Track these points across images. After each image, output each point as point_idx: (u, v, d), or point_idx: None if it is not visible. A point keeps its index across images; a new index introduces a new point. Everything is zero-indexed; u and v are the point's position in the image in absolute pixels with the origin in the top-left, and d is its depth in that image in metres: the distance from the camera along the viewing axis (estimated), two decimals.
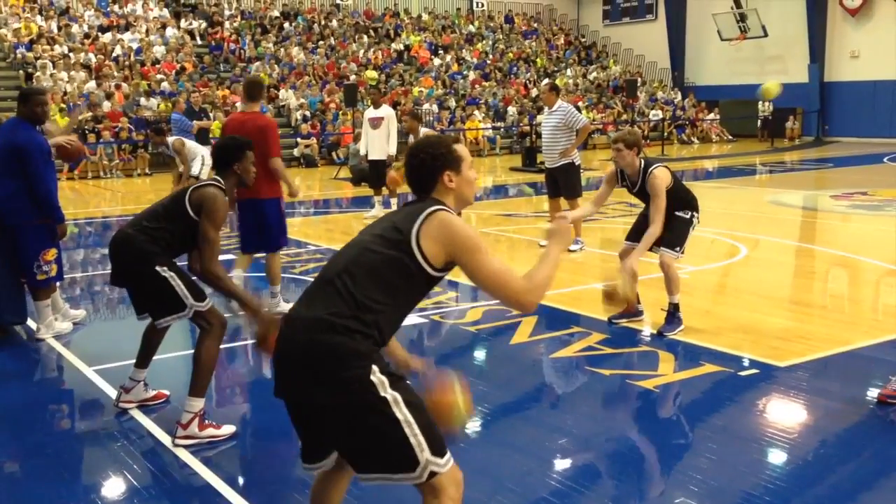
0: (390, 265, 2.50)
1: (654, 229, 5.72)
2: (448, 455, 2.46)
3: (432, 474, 2.41)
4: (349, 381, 2.37)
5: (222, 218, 4.25)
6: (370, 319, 2.44)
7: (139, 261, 4.18)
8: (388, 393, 2.38)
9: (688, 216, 5.98)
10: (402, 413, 2.38)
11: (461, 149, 2.75)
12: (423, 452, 2.39)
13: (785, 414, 4.62)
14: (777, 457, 4.06)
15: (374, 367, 2.39)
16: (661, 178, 5.77)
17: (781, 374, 5.15)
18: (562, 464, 4.02)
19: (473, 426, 4.42)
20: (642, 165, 5.85)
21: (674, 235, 5.89)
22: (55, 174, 6.07)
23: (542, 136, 9.66)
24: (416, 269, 2.52)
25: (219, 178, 4.33)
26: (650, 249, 5.87)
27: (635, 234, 6.04)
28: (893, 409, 4.54)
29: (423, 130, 10.39)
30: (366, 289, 2.46)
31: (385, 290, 2.49)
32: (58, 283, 6.39)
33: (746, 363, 5.36)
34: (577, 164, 9.39)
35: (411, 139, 10.58)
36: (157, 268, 4.17)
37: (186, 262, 4.45)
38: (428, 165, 2.68)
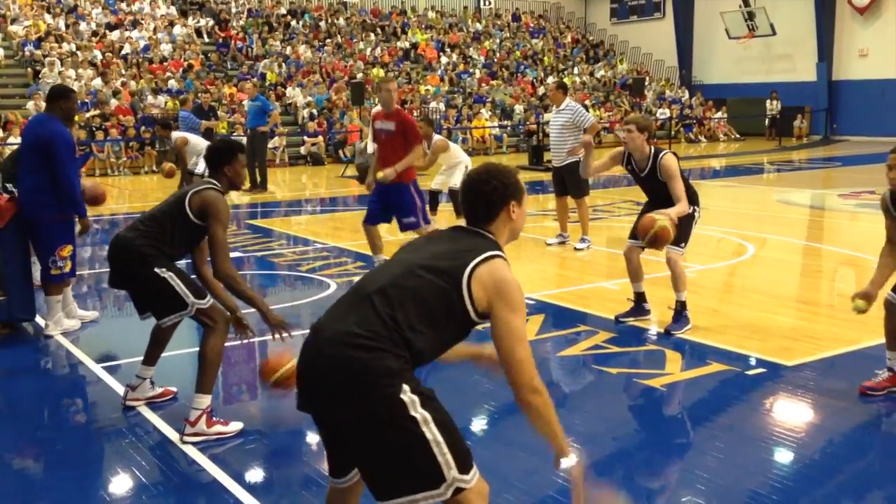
0: (436, 295, 2.45)
1: (683, 205, 5.69)
2: (474, 470, 2.42)
3: (458, 490, 2.37)
4: (378, 399, 2.32)
5: (227, 218, 4.28)
6: (405, 340, 2.39)
7: (138, 264, 4.22)
8: (419, 412, 2.32)
9: (690, 210, 5.94)
10: (431, 433, 2.33)
11: (522, 182, 2.74)
12: (451, 471, 2.35)
13: (792, 413, 4.61)
14: (784, 456, 4.06)
15: (405, 387, 2.33)
16: (673, 161, 5.80)
17: (789, 373, 5.14)
18: (568, 462, 4.01)
19: (481, 425, 4.43)
20: (652, 151, 5.84)
21: (679, 231, 5.86)
22: (78, 170, 6.16)
23: (550, 134, 9.65)
24: (459, 307, 2.46)
25: (214, 180, 4.35)
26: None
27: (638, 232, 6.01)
28: (890, 405, 4.54)
29: (436, 137, 10.37)
30: (406, 311, 2.40)
31: (426, 317, 2.43)
32: (72, 279, 6.44)
33: (753, 362, 5.35)
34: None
35: (424, 145, 10.54)
36: (157, 269, 4.20)
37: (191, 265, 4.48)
38: (500, 194, 2.63)
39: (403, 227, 7.49)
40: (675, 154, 5.92)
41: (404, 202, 7.27)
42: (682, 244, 5.92)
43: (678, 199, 5.73)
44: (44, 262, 6.04)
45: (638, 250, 6.07)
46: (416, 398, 2.33)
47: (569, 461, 2.59)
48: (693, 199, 5.99)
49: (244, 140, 15.90)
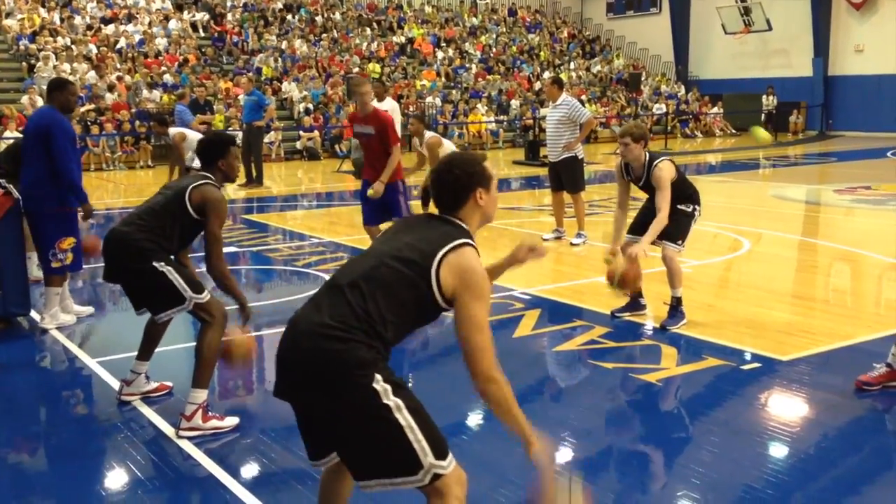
0: (406, 286, 2.50)
1: (662, 216, 5.72)
2: (450, 456, 2.47)
3: (436, 476, 2.42)
4: (351, 388, 2.38)
5: (225, 214, 4.31)
6: (376, 332, 2.44)
7: (136, 258, 4.19)
8: (391, 400, 2.38)
9: (690, 209, 5.98)
10: (404, 419, 2.39)
11: (490, 167, 2.77)
12: (427, 457, 2.40)
13: (787, 408, 4.62)
14: (779, 450, 4.07)
15: (378, 376, 2.39)
16: (666, 170, 5.77)
17: (784, 368, 5.15)
18: (563, 456, 4.02)
19: (477, 420, 4.43)
20: (647, 159, 5.85)
21: (676, 229, 5.90)
22: (79, 161, 6.17)
23: (546, 130, 9.64)
24: (427, 295, 2.51)
25: (208, 174, 4.34)
26: (653, 242, 5.87)
27: (638, 228, 6.02)
28: (885, 400, 4.55)
29: (428, 134, 10.35)
30: (376, 302, 2.46)
31: (396, 307, 2.49)
32: (70, 274, 6.44)
33: (749, 357, 5.36)
34: (580, 157, 9.39)
35: (416, 142, 10.52)
36: (155, 263, 4.19)
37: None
38: (463, 182, 2.68)
39: None
40: (671, 161, 5.87)
41: (393, 202, 7.26)
42: (679, 241, 5.94)
43: (659, 210, 5.73)
44: (44, 254, 6.04)
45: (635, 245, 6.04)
46: (388, 387, 2.40)
47: (537, 451, 2.58)
48: (694, 198, 6.01)
49: (240, 135, 15.87)
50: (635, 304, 6.25)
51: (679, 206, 5.90)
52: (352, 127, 7.49)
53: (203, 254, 4.37)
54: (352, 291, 2.48)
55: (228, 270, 4.35)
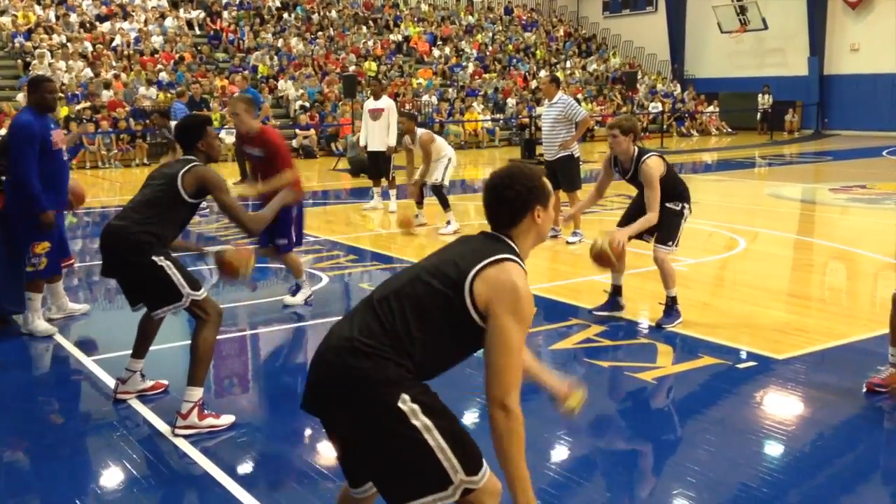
0: (437, 302, 2.39)
1: (652, 216, 5.70)
2: (484, 468, 2.40)
3: (467, 491, 2.36)
4: (375, 407, 2.30)
5: (224, 183, 4.35)
6: (404, 348, 2.35)
7: (135, 252, 4.19)
8: (420, 420, 2.30)
9: (678, 208, 5.92)
10: (434, 440, 2.31)
11: (549, 184, 2.63)
12: (457, 474, 2.34)
13: (782, 406, 4.63)
14: (774, 449, 4.08)
15: (405, 395, 2.30)
16: (654, 167, 5.73)
17: (779, 366, 5.16)
18: (559, 455, 4.03)
19: (473, 418, 4.44)
20: (636, 153, 5.83)
21: (666, 230, 5.85)
22: (55, 163, 5.84)
23: (542, 128, 9.65)
24: (460, 311, 2.37)
25: (191, 157, 4.35)
26: (643, 239, 5.85)
27: (627, 223, 5.97)
28: (881, 399, 4.56)
29: (420, 131, 10.35)
30: (405, 318, 2.37)
31: (425, 324, 2.38)
32: (57, 277, 6.34)
33: (744, 356, 5.37)
34: (576, 156, 9.39)
35: (407, 140, 10.53)
36: (154, 258, 4.18)
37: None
38: (523, 198, 2.52)
39: (279, 249, 6.59)
40: (660, 156, 5.85)
41: (281, 222, 6.24)
42: (670, 243, 5.90)
43: (649, 208, 5.71)
44: (22, 257, 5.93)
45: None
46: (416, 407, 2.31)
47: None
48: (683, 196, 5.96)
49: (234, 133, 15.80)
50: (613, 303, 6.22)
51: (668, 205, 5.84)
52: (243, 146, 6.70)
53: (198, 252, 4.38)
54: (381, 306, 2.40)
55: (257, 217, 4.53)
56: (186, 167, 4.26)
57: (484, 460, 2.43)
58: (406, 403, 2.30)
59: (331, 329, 2.50)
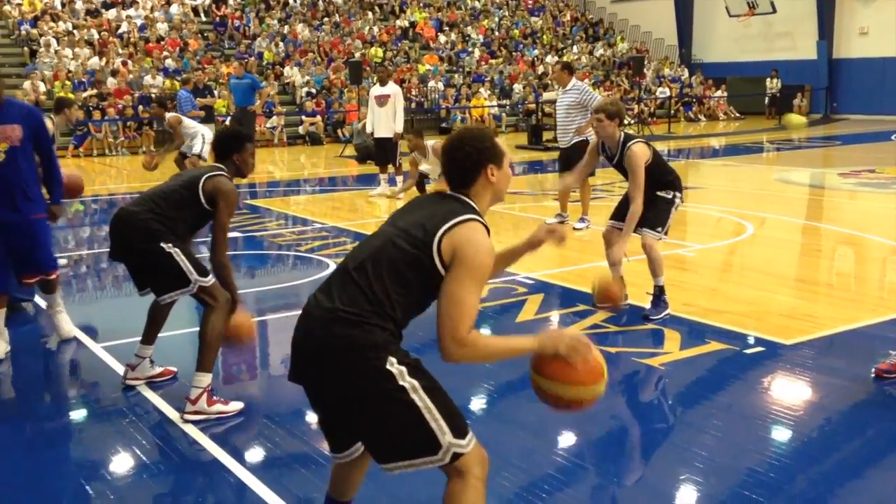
0: (410, 263, 2.49)
1: (636, 207, 5.62)
2: (470, 435, 2.49)
3: (456, 456, 2.44)
4: (366, 372, 2.39)
5: (235, 207, 4.33)
6: (386, 312, 2.45)
7: (145, 238, 4.20)
8: (407, 381, 2.40)
9: (669, 196, 5.82)
10: (421, 400, 2.41)
11: (502, 143, 2.72)
12: (445, 436, 2.42)
13: (790, 392, 4.63)
14: (782, 434, 4.08)
15: (392, 358, 2.40)
16: (639, 153, 5.64)
17: (787, 352, 5.15)
18: (567, 441, 4.04)
19: (480, 404, 4.45)
20: (622, 138, 5.78)
21: (655, 216, 5.75)
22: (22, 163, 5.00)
23: (556, 115, 9.62)
24: (431, 269, 2.49)
25: (222, 166, 4.35)
26: (636, 232, 5.80)
27: (619, 213, 5.94)
28: (890, 384, 4.56)
29: (431, 143, 10.32)
30: (383, 282, 2.46)
31: (401, 286, 2.48)
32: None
33: (752, 341, 5.36)
34: (591, 141, 9.35)
35: (417, 156, 10.54)
36: (163, 244, 4.20)
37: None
38: (473, 159, 2.63)
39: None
40: (646, 143, 5.77)
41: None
42: (659, 229, 5.79)
43: (632, 198, 5.63)
44: None
45: (618, 232, 5.91)
46: (403, 368, 2.42)
47: (547, 342, 2.58)
48: (674, 185, 5.87)
49: (229, 119, 15.72)
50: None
51: (658, 193, 5.77)
52: None
53: (202, 240, 4.38)
54: (359, 273, 2.49)
55: (229, 262, 4.38)
56: (212, 174, 4.29)
57: (470, 430, 2.50)
58: (393, 366, 2.41)
59: (308, 301, 2.56)
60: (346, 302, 2.44)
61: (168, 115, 12.06)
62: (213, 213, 4.30)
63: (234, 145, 4.37)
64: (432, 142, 10.34)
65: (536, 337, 2.61)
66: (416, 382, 2.41)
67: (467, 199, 2.64)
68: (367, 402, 2.42)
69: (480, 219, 2.57)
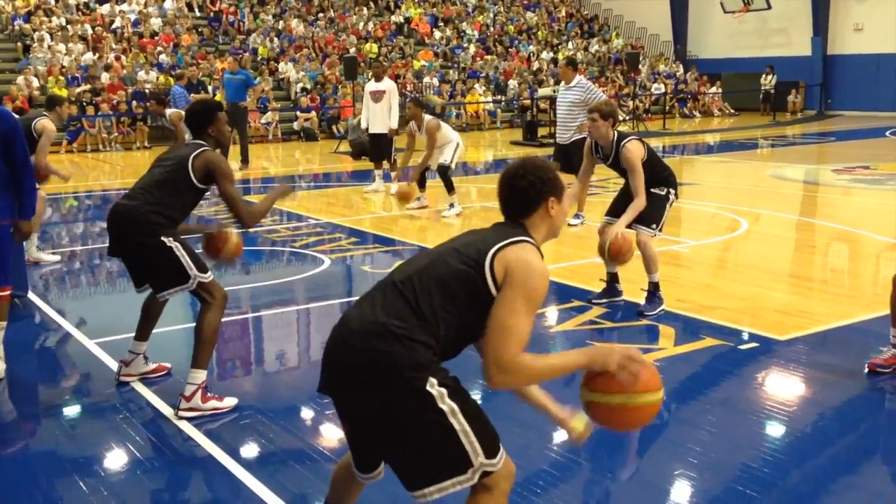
0: (459, 279, 2.41)
1: (640, 202, 5.65)
2: (501, 452, 2.44)
3: (485, 474, 2.39)
4: (405, 392, 2.31)
5: (231, 173, 4.33)
6: (431, 329, 2.37)
7: (145, 232, 4.18)
8: (446, 404, 2.32)
9: (664, 193, 5.84)
10: (459, 423, 2.33)
11: (563, 178, 2.65)
12: (478, 457, 2.36)
13: (784, 387, 4.64)
14: (776, 429, 4.09)
15: (432, 379, 2.32)
16: (635, 150, 5.67)
17: (781, 347, 5.16)
18: (561, 436, 4.02)
19: (475, 400, 4.45)
20: (615, 138, 5.79)
21: (650, 212, 5.75)
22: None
23: (558, 112, 9.61)
24: (482, 289, 2.41)
25: (202, 142, 4.33)
26: (628, 226, 5.80)
27: (614, 210, 5.94)
28: (883, 379, 4.57)
29: (427, 118, 10.28)
30: (430, 297, 2.38)
31: (449, 304, 2.40)
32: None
33: (746, 337, 5.37)
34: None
35: (413, 126, 10.45)
36: (164, 238, 4.18)
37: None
38: (536, 189, 2.55)
39: None
40: (640, 140, 5.79)
41: None
42: (654, 226, 5.79)
43: (636, 193, 5.66)
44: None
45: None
46: (443, 390, 2.33)
47: (599, 359, 2.49)
48: (669, 181, 5.89)
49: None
50: (612, 291, 6.18)
51: (653, 190, 5.77)
52: None
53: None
54: (405, 287, 2.41)
55: (259, 212, 4.47)
56: (197, 151, 4.26)
57: (500, 443, 2.45)
58: (434, 387, 2.32)
59: (346, 313, 2.47)
60: (391, 314, 2.36)
61: (169, 111, 12.04)
62: (206, 191, 4.32)
63: (207, 118, 4.35)
64: (428, 117, 10.30)
65: (585, 352, 2.52)
66: (454, 406, 2.33)
67: (524, 228, 2.58)
68: (403, 423, 2.33)
69: (535, 242, 2.52)
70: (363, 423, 2.44)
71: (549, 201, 2.57)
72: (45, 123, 7.00)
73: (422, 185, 10.53)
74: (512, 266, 2.40)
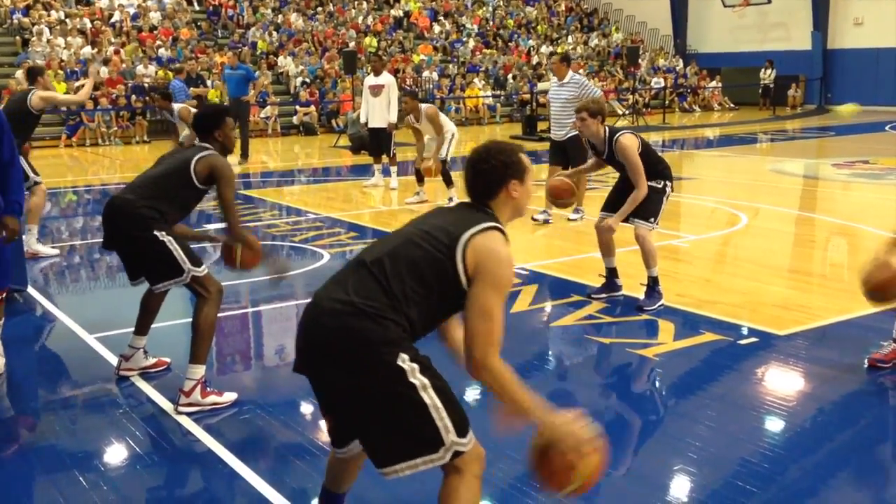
0: (431, 265, 2.46)
1: (640, 192, 5.66)
2: (470, 434, 2.47)
3: (456, 454, 2.42)
4: (376, 366, 2.36)
5: (234, 180, 4.35)
6: (402, 308, 2.42)
7: (138, 226, 4.19)
8: (417, 378, 2.37)
9: (660, 185, 5.82)
10: (430, 398, 2.38)
11: (527, 159, 2.71)
12: (449, 434, 2.40)
13: (783, 382, 4.64)
14: (775, 424, 4.09)
15: (403, 354, 2.37)
16: (629, 144, 5.66)
17: (780, 342, 5.16)
18: None
19: (474, 395, 4.45)
20: (607, 134, 5.78)
21: (647, 206, 5.74)
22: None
23: (552, 108, 9.37)
24: (452, 276, 2.46)
25: (207, 145, 4.34)
26: (625, 221, 5.80)
27: (611, 205, 5.94)
28: (883, 374, 4.57)
29: (424, 105, 10.26)
30: (401, 279, 2.43)
31: (420, 285, 2.45)
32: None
33: (746, 332, 5.37)
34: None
35: (411, 118, 10.41)
36: (156, 232, 4.18)
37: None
38: (498, 172, 2.62)
39: None
40: (633, 133, 5.78)
41: None
42: (652, 219, 5.79)
43: (636, 184, 5.67)
44: None
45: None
46: (415, 366, 2.39)
47: (551, 426, 2.45)
48: (665, 174, 5.87)
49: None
50: (612, 285, 6.16)
51: (650, 183, 5.75)
52: None
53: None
54: (377, 268, 2.46)
55: (249, 232, 4.56)
56: (201, 154, 4.28)
57: (470, 428, 2.48)
58: (405, 362, 2.37)
59: (317, 293, 2.53)
60: (362, 295, 2.41)
61: (177, 105, 12.00)
62: (205, 192, 4.33)
63: (214, 122, 4.36)
64: (424, 105, 10.30)
65: (546, 412, 2.48)
66: (426, 381, 2.38)
67: (490, 211, 2.63)
68: (374, 397, 2.38)
69: (502, 228, 2.57)
70: (336, 399, 2.51)
71: (510, 184, 2.64)
72: (39, 93, 7.11)
73: (420, 179, 10.48)
74: (482, 258, 2.46)
